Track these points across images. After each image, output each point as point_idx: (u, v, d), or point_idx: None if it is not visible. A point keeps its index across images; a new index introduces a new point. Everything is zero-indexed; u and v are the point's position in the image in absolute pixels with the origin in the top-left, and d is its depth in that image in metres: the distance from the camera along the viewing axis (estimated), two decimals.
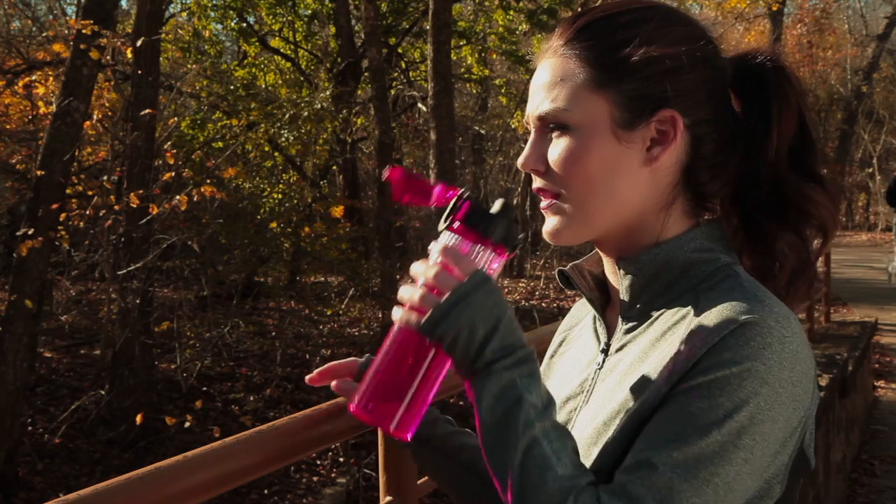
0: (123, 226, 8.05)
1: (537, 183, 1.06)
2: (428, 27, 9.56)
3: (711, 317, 0.94)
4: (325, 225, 10.98)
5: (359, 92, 13.91)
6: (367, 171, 15.52)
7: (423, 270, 0.98)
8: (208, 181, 9.38)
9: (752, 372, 0.89)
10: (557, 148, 1.03)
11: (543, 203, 1.06)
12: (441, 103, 8.96)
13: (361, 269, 11.09)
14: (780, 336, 0.91)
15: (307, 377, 1.28)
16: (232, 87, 12.16)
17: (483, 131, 17.49)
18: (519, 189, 15.98)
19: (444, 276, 0.96)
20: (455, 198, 1.02)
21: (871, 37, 28.14)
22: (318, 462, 8.28)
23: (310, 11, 14.73)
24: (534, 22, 13.24)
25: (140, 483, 1.03)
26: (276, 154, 12.60)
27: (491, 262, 1.01)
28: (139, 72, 8.24)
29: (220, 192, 8.89)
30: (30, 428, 8.27)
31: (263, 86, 13.88)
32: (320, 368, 1.26)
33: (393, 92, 15.12)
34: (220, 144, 11.46)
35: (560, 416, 1.08)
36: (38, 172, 7.36)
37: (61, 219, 7.35)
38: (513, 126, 15.12)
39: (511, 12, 14.36)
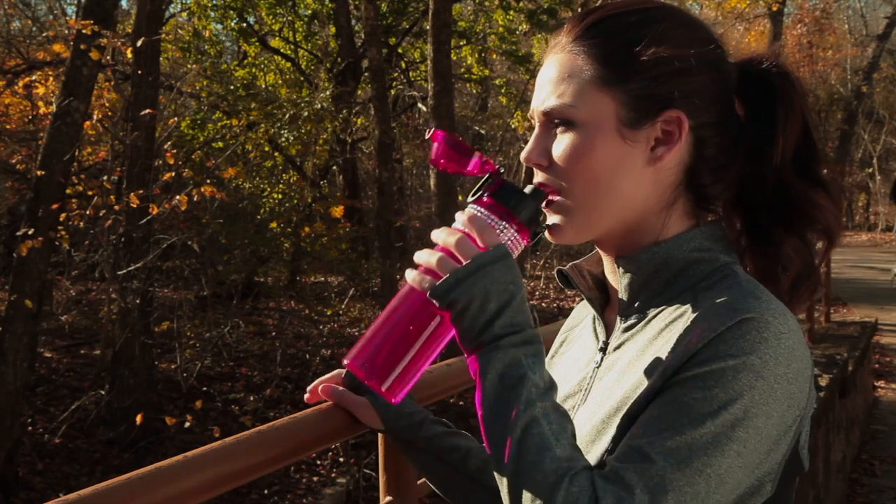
0: (123, 226, 8.05)
1: (539, 178, 1.06)
2: (428, 27, 9.56)
3: (709, 313, 0.94)
4: (325, 225, 10.99)
5: (359, 92, 13.91)
6: (367, 171, 15.53)
7: (444, 237, 0.98)
8: (208, 181, 9.38)
9: (747, 365, 0.89)
10: (562, 144, 1.03)
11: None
12: (441, 103, 8.96)
13: (361, 269, 11.09)
14: (777, 332, 0.91)
15: (305, 398, 1.33)
16: (232, 87, 12.16)
17: (483, 131, 17.50)
18: None
19: (466, 244, 0.97)
20: (490, 172, 1.03)
21: (871, 37, 28.14)
22: (318, 462, 8.28)
23: (310, 11, 14.73)
24: (534, 22, 13.24)
25: (140, 483, 1.03)
26: (276, 154, 12.60)
27: (513, 240, 1.01)
28: (139, 72, 8.24)
29: (220, 192, 8.89)
30: (30, 428, 8.27)
31: (263, 86, 13.88)
32: (310, 387, 1.32)
33: (393, 92, 15.12)
34: (220, 144, 11.46)
35: None
36: (38, 172, 7.37)
37: (61, 219, 7.35)
38: (513, 126, 15.12)
39: (511, 12, 14.36)
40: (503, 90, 16.48)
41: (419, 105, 15.19)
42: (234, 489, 1.54)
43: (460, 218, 1.00)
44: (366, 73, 12.96)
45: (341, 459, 8.25)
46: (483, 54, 15.84)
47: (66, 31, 10.23)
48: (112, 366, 8.49)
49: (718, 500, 0.87)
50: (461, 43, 15.01)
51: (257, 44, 14.83)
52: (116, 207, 7.84)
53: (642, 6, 1.06)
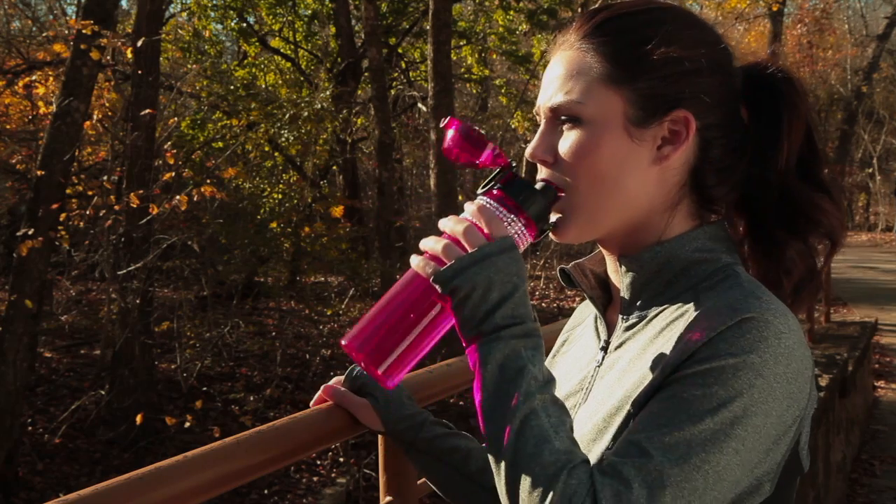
0: (123, 226, 8.05)
1: (543, 174, 1.06)
2: (428, 27, 9.56)
3: (709, 312, 0.94)
4: (325, 225, 10.99)
5: (359, 92, 13.91)
6: (367, 171, 15.53)
7: (451, 225, 0.98)
8: (208, 181, 9.38)
9: (747, 364, 0.89)
10: (568, 140, 1.03)
11: None
12: (441, 103, 8.96)
13: (361, 269, 11.09)
14: (777, 331, 0.91)
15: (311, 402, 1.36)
16: (232, 87, 12.15)
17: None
18: None
19: (474, 233, 0.97)
20: (501, 166, 1.03)
21: (871, 37, 28.15)
22: (318, 462, 8.29)
23: (310, 11, 14.73)
24: (534, 22, 13.24)
25: (140, 483, 1.03)
26: (276, 154, 12.60)
27: (521, 234, 1.01)
28: (139, 72, 8.24)
29: (220, 192, 8.89)
30: (30, 428, 8.27)
31: (263, 86, 13.88)
32: (314, 398, 1.34)
33: (393, 92, 15.12)
34: (220, 144, 11.46)
35: None
36: (38, 172, 7.37)
37: (61, 219, 7.35)
38: (513, 126, 15.12)
39: (511, 12, 14.36)
40: (503, 90, 16.48)
41: (419, 105, 15.18)
42: (234, 489, 1.54)
43: (469, 208, 1.00)
44: (366, 73, 12.96)
45: (341, 459, 8.25)
46: (483, 54, 15.84)
47: (66, 31, 10.23)
48: (112, 366, 8.49)
49: (716, 497, 0.87)
50: (461, 43, 15.01)
51: (257, 44, 14.83)
52: (116, 207, 7.84)
53: (652, 6, 1.06)
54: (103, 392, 8.38)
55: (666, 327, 0.98)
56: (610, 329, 1.11)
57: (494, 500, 0.93)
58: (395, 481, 1.51)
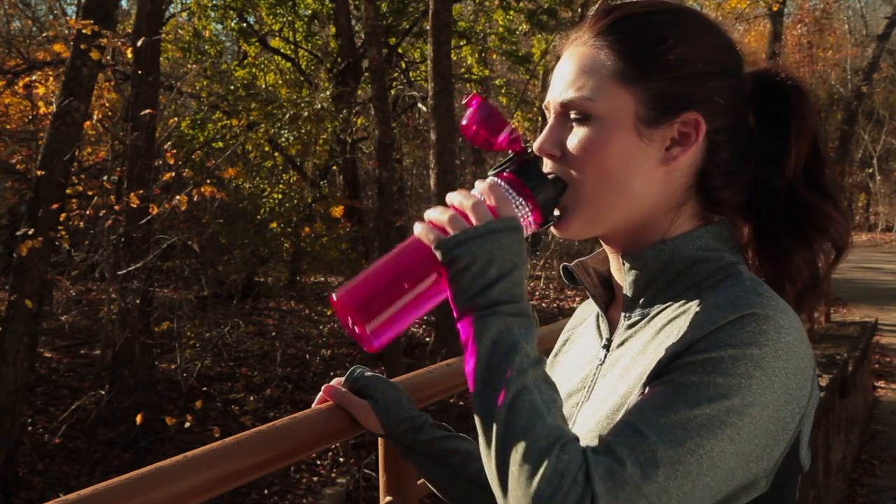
0: (123, 226, 8.05)
1: (549, 168, 1.06)
2: (428, 27, 9.56)
3: (710, 307, 0.95)
4: (325, 225, 10.99)
5: (359, 92, 13.90)
6: (367, 171, 15.52)
7: (460, 199, 0.99)
8: (208, 181, 9.38)
9: (747, 355, 0.89)
10: (577, 136, 1.03)
11: None
12: (441, 103, 8.97)
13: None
14: (777, 326, 0.92)
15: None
16: (232, 87, 12.16)
17: None
18: None
19: (482, 208, 0.97)
20: (517, 150, 1.04)
21: (871, 37, 28.14)
22: (318, 462, 8.29)
23: (310, 11, 14.73)
24: (534, 22, 13.25)
25: (140, 483, 1.03)
26: (276, 154, 12.60)
27: (527, 219, 1.01)
28: (139, 72, 8.24)
29: (220, 193, 8.89)
30: (30, 428, 8.27)
31: (263, 86, 13.88)
32: (317, 398, 1.36)
33: (393, 92, 15.11)
34: (220, 144, 11.46)
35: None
36: (38, 172, 7.37)
37: (61, 219, 7.36)
38: (513, 126, 15.11)
39: (511, 12, 14.36)
40: (503, 90, 16.48)
41: (419, 105, 15.19)
42: (234, 489, 1.54)
43: (479, 186, 1.00)
44: (366, 73, 12.95)
45: (341, 459, 8.25)
46: (483, 54, 15.83)
47: (66, 31, 10.23)
48: (112, 366, 8.49)
49: (709, 484, 0.87)
50: (461, 43, 15.01)
51: (257, 44, 14.82)
52: (116, 207, 7.84)
53: (667, 8, 1.07)
54: (103, 392, 8.38)
55: (668, 324, 0.99)
56: (612, 327, 1.11)
57: (493, 502, 0.93)
58: (395, 481, 1.51)
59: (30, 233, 6.94)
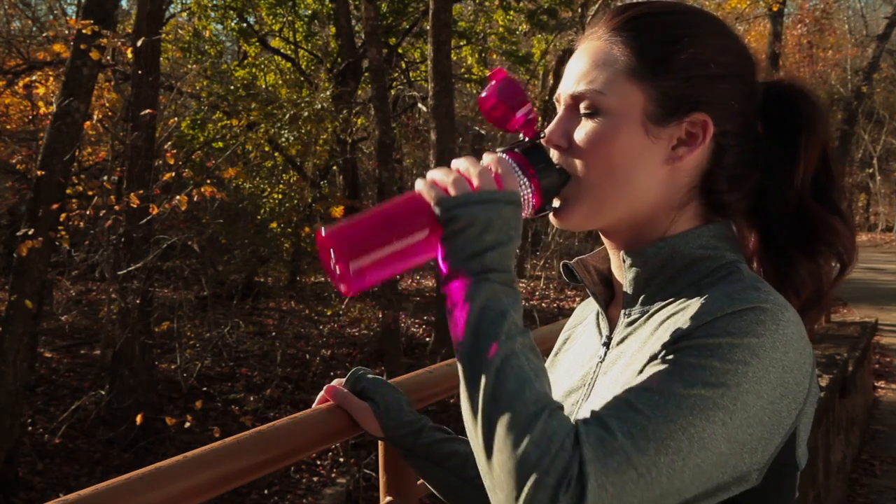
0: (123, 226, 8.05)
1: (555, 159, 1.07)
2: (428, 27, 9.56)
3: (707, 301, 0.95)
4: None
5: (359, 92, 13.90)
6: (367, 171, 15.52)
7: (466, 164, 0.99)
8: (208, 181, 9.38)
9: (744, 344, 0.89)
10: (585, 128, 1.04)
11: None
12: (441, 103, 8.96)
13: None
14: (775, 317, 0.92)
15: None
16: (232, 88, 12.16)
17: (483, 131, 17.50)
18: None
19: (487, 176, 0.97)
20: (529, 135, 1.05)
21: (871, 37, 28.12)
22: (318, 462, 8.29)
23: (310, 12, 14.72)
24: (534, 22, 13.25)
25: (140, 483, 1.03)
26: (276, 154, 12.60)
27: (528, 199, 1.02)
28: (139, 72, 8.24)
29: (220, 193, 8.89)
30: (30, 428, 8.27)
31: (263, 86, 13.88)
32: (318, 398, 1.37)
33: (393, 92, 15.11)
34: (221, 144, 11.46)
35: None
36: (39, 172, 7.37)
37: (61, 219, 7.36)
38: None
39: (511, 12, 14.36)
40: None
41: (419, 105, 15.18)
42: (234, 489, 1.54)
43: (487, 157, 1.01)
44: (366, 74, 12.95)
45: (341, 460, 8.25)
46: (483, 54, 15.83)
47: (67, 31, 10.24)
48: (112, 366, 8.49)
49: (699, 466, 0.86)
50: (461, 43, 15.01)
51: (257, 44, 14.82)
52: (116, 207, 7.84)
53: (684, 9, 1.08)
54: (103, 392, 8.38)
55: (667, 320, 0.99)
56: (612, 325, 1.11)
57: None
58: (395, 481, 1.52)
59: (30, 233, 6.94)
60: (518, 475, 0.83)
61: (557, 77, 13.01)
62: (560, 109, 1.08)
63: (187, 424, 7.68)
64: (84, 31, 7.03)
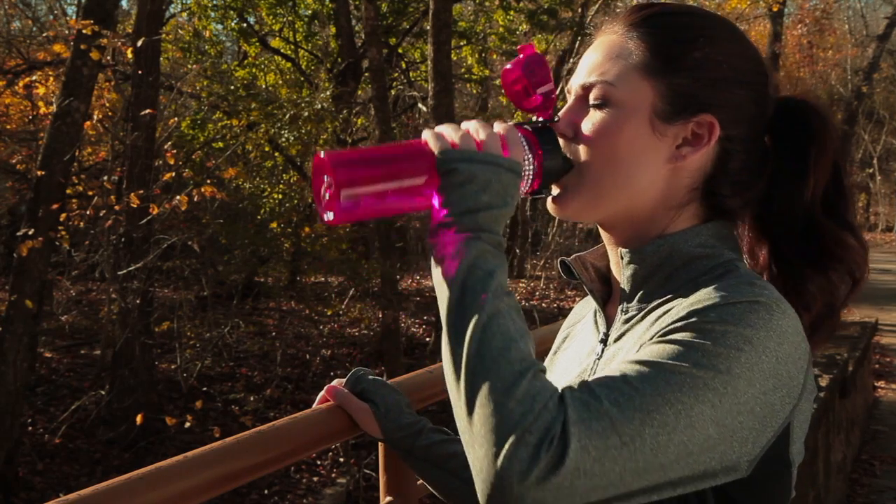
0: (123, 226, 8.05)
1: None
2: (428, 27, 9.56)
3: (704, 292, 0.95)
4: (326, 225, 10.96)
5: (359, 92, 13.90)
6: None
7: (476, 126, 0.99)
8: (208, 181, 9.38)
9: (737, 332, 0.89)
10: (592, 119, 1.04)
11: None
12: (441, 103, 8.96)
13: (361, 269, 11.09)
14: (769, 309, 0.91)
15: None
16: (232, 88, 12.14)
17: None
18: None
19: (495, 140, 0.97)
20: (543, 117, 1.06)
21: (871, 37, 28.13)
22: (318, 462, 8.29)
23: (310, 12, 14.72)
24: (534, 22, 13.23)
25: (140, 483, 1.03)
26: (276, 154, 12.60)
27: (528, 176, 1.02)
28: (139, 72, 8.24)
29: (221, 193, 8.89)
30: (30, 428, 8.27)
31: (264, 86, 13.87)
32: (318, 397, 1.37)
33: (393, 92, 15.12)
34: (221, 144, 11.46)
35: None
36: (39, 172, 7.37)
37: (61, 219, 7.36)
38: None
39: (511, 12, 14.36)
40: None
41: (419, 105, 15.18)
42: (234, 489, 1.54)
43: (498, 126, 1.01)
44: (366, 74, 12.95)
45: (341, 459, 8.25)
46: (483, 54, 15.83)
47: (67, 31, 10.23)
48: (112, 366, 8.49)
49: (685, 444, 0.85)
50: (461, 43, 15.01)
51: (257, 44, 14.82)
52: (116, 207, 7.84)
53: (701, 13, 1.09)
54: (103, 392, 8.38)
55: (663, 316, 0.99)
56: (609, 322, 1.11)
57: None
58: (395, 481, 1.52)
59: (30, 233, 6.94)
60: (500, 432, 0.82)
61: (557, 77, 13.00)
62: (570, 100, 1.09)
63: (187, 424, 7.68)
64: (84, 31, 7.03)
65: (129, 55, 8.35)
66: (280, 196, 12.04)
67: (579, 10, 13.54)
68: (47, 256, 7.50)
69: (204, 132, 11.80)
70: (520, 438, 0.82)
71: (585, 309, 1.25)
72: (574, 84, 1.08)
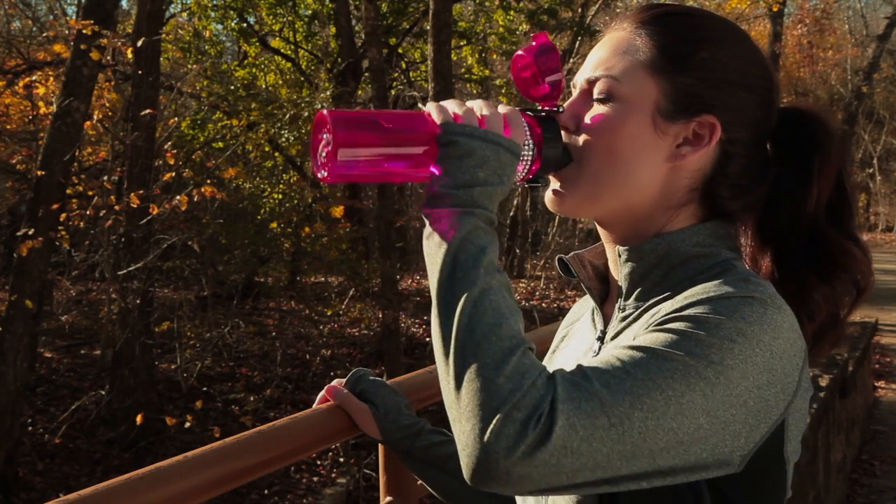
0: (123, 226, 8.05)
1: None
2: (428, 27, 9.56)
3: (698, 288, 0.95)
4: (326, 225, 10.98)
5: (359, 92, 13.90)
6: None
7: (481, 104, 1.00)
8: (208, 181, 9.38)
9: (731, 325, 0.89)
10: (595, 112, 1.05)
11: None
12: None
13: (361, 269, 11.09)
14: (764, 303, 0.91)
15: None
16: (232, 88, 12.15)
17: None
18: (519, 189, 15.96)
19: (498, 119, 0.98)
20: (547, 108, 1.06)
21: (871, 37, 28.13)
22: (318, 462, 8.29)
23: (310, 12, 14.73)
24: (534, 22, 13.23)
25: (141, 483, 1.03)
26: (276, 154, 12.60)
27: (527, 161, 1.02)
28: (139, 72, 8.24)
29: (221, 193, 8.89)
30: (30, 428, 8.27)
31: (264, 86, 13.88)
32: (318, 397, 1.37)
33: (393, 92, 15.12)
34: (221, 144, 11.46)
35: None
36: (39, 172, 7.37)
37: (61, 219, 7.36)
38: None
39: (511, 12, 14.36)
40: (503, 90, 16.47)
41: (419, 105, 15.18)
42: (234, 489, 1.54)
43: (503, 107, 1.01)
44: (366, 74, 12.96)
45: (341, 459, 8.25)
46: (483, 54, 15.84)
47: (67, 31, 10.24)
48: (112, 366, 8.49)
49: (674, 431, 0.85)
50: (461, 43, 15.01)
51: (257, 44, 14.82)
52: (116, 207, 7.84)
53: (710, 15, 1.10)
54: (103, 392, 8.38)
55: (658, 313, 0.99)
56: (606, 320, 1.11)
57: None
58: (395, 481, 1.52)
59: (30, 233, 6.94)
60: (488, 407, 0.82)
61: None
62: (575, 94, 1.09)
63: (187, 424, 7.68)
64: (84, 31, 7.03)
65: (129, 55, 8.35)
66: (280, 196, 12.05)
67: (579, 9, 13.55)
68: (47, 256, 7.50)
69: (204, 132, 11.80)
70: (508, 414, 0.81)
71: (584, 308, 1.25)
72: (579, 78, 1.09)
